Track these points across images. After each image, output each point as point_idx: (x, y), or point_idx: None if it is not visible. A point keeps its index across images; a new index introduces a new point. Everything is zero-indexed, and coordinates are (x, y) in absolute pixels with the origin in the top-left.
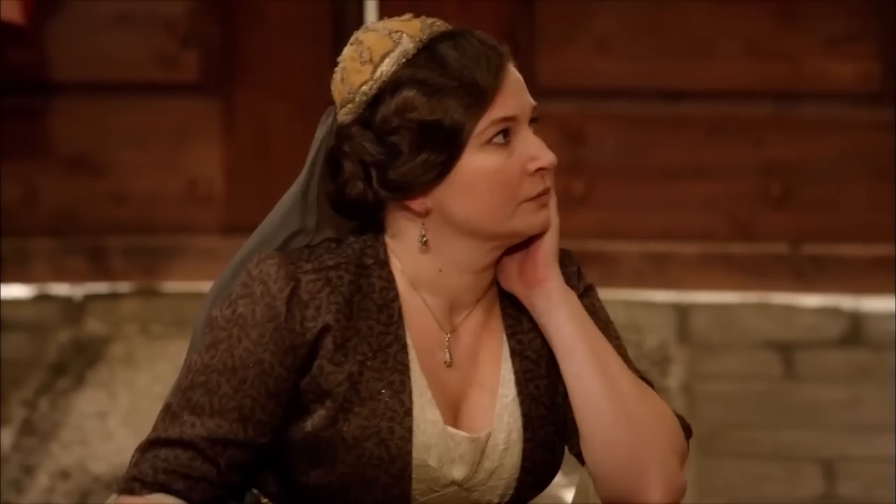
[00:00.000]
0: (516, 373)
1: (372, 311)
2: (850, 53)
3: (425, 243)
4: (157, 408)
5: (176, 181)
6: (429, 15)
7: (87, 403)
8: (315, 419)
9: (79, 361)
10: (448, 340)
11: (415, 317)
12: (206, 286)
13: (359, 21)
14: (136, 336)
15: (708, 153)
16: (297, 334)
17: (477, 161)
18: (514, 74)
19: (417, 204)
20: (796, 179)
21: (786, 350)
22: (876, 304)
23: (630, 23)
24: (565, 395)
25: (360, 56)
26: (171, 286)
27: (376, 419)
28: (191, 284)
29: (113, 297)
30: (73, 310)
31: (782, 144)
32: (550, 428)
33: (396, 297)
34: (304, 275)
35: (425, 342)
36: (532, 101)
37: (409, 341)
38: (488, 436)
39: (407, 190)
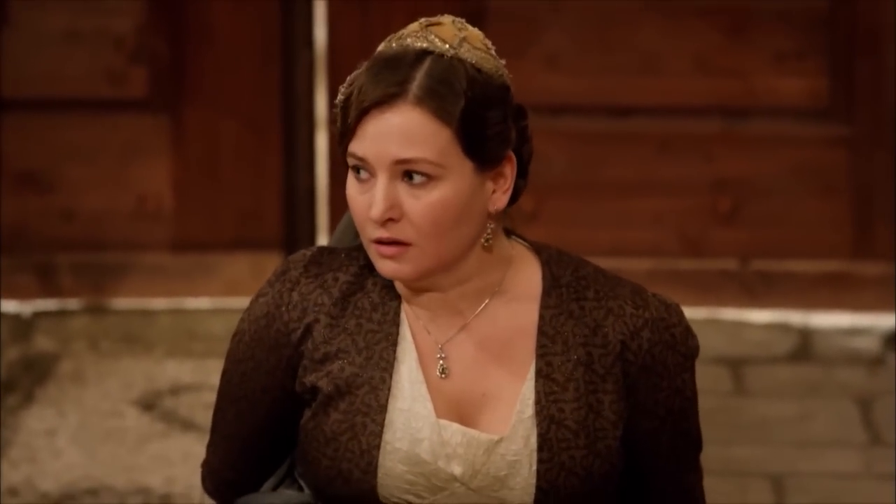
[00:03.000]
0: (537, 393)
1: (366, 310)
2: (799, 69)
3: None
4: (107, 425)
5: (125, 198)
6: (378, 33)
7: (35, 421)
8: (305, 416)
9: (27, 379)
10: (442, 350)
11: (414, 319)
12: (155, 303)
13: (307, 38)
14: (86, 353)
15: (657, 169)
16: (282, 334)
17: (348, 182)
18: (385, 121)
19: None
20: (745, 195)
21: (735, 365)
22: (825, 319)
23: (579, 39)
24: (615, 425)
25: None
26: (121, 303)
27: (351, 414)
28: (140, 301)
29: (62, 313)
30: (21, 327)
31: (731, 160)
32: (579, 452)
33: (398, 296)
34: (303, 276)
35: (425, 345)
36: (398, 155)
37: (406, 339)
38: (497, 441)
39: None
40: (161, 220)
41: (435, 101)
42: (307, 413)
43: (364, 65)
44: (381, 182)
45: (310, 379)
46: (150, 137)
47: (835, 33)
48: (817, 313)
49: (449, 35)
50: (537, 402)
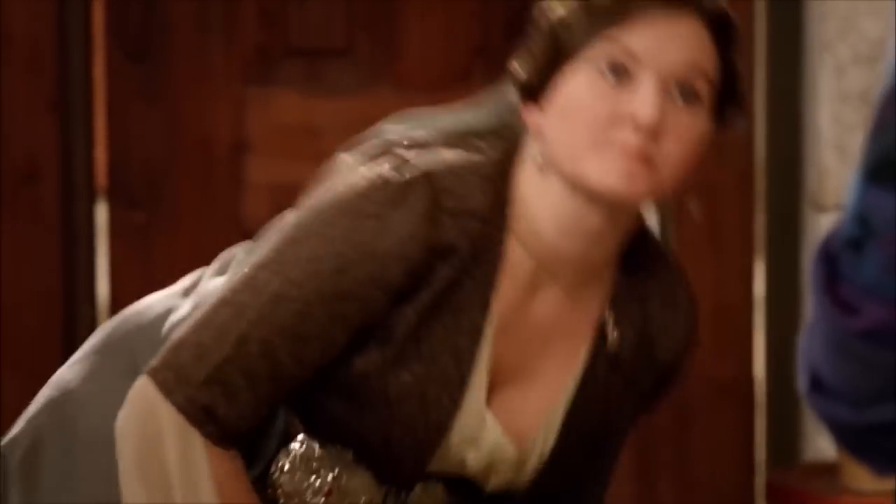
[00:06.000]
0: (575, 399)
1: (467, 262)
2: None
3: (541, 166)
4: None
5: None
6: (162, 286)
7: None
8: (366, 361)
9: None
10: (522, 314)
11: (507, 271)
12: None
13: (89, 293)
14: None
15: None
16: (412, 277)
17: (575, 83)
18: (675, 27)
19: (531, 115)
20: None
21: None
22: None
23: None
24: (622, 444)
25: None
26: None
27: (427, 382)
28: None
29: None
30: None
31: None
32: (583, 465)
33: (501, 242)
34: (447, 217)
35: (506, 303)
36: (691, 60)
37: (494, 301)
38: (520, 451)
39: (522, 88)
40: None
41: (718, 33)
42: (372, 361)
43: None
44: (652, 87)
45: (395, 325)
46: None
47: None
48: None
49: None
50: (570, 413)
